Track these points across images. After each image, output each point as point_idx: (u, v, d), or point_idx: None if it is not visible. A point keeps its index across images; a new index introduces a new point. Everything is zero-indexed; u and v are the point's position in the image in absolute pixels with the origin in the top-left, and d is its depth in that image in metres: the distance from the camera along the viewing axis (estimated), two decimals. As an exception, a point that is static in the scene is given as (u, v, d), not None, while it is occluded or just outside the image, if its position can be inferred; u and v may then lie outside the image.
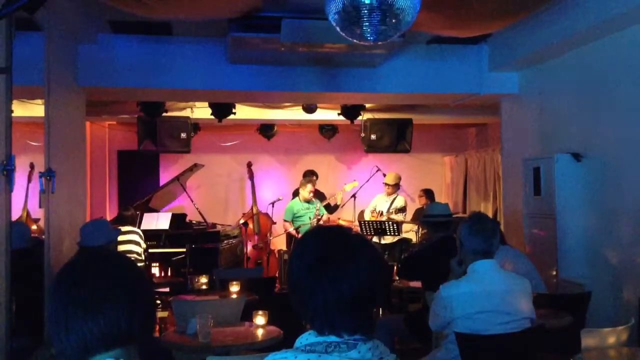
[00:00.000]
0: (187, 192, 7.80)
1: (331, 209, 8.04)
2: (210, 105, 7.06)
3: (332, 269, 1.40)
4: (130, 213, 6.44)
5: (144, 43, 5.60)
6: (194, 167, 7.88)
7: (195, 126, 7.93)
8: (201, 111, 7.41)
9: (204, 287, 4.84)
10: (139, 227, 6.51)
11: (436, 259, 4.09)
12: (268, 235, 8.31)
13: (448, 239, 4.30)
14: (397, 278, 5.40)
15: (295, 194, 7.79)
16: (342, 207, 8.28)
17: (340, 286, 1.38)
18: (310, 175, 8.17)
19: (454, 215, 4.69)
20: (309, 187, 7.39)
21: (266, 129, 8.55)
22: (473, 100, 6.54)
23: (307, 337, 1.40)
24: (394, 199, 7.72)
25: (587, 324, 3.75)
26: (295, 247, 1.54)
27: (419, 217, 5.41)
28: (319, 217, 7.27)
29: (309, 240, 1.52)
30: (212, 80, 5.78)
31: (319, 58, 5.50)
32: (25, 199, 7.77)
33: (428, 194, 8.27)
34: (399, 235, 7.10)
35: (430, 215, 4.51)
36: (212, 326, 3.35)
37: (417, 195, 8.67)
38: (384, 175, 7.97)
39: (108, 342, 1.26)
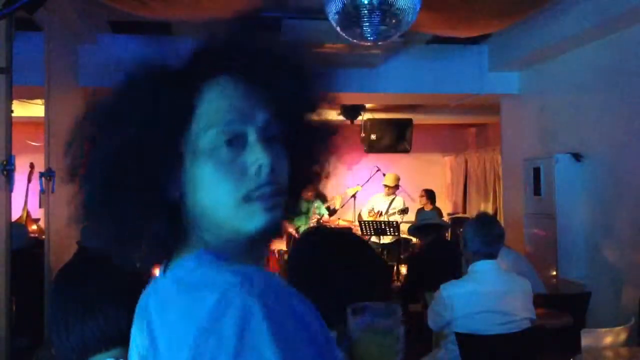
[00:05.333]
0: (187, 192, 7.79)
1: (329, 212, 8.04)
2: (210, 105, 7.05)
3: (337, 261, 1.42)
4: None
5: (144, 43, 5.60)
6: (194, 167, 7.87)
7: (195, 126, 7.90)
8: (201, 111, 7.40)
9: (204, 287, 4.84)
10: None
11: (432, 260, 4.16)
12: (268, 235, 8.29)
13: (440, 241, 4.53)
14: (396, 278, 5.42)
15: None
16: (341, 207, 8.28)
17: (346, 278, 1.39)
18: None
19: (452, 216, 4.85)
20: (306, 186, 7.37)
21: (266, 129, 8.53)
22: (473, 100, 6.54)
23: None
24: (393, 199, 7.72)
25: (587, 324, 3.75)
26: (299, 242, 1.55)
27: (417, 217, 5.49)
28: (319, 217, 7.26)
29: (314, 236, 1.55)
30: (212, 80, 5.78)
31: (319, 58, 5.49)
32: (25, 199, 7.76)
33: (429, 194, 8.26)
34: (398, 235, 7.10)
35: (418, 221, 4.94)
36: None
37: (417, 196, 8.66)
38: (384, 175, 7.97)
39: (108, 342, 1.26)
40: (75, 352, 1.26)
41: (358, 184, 8.17)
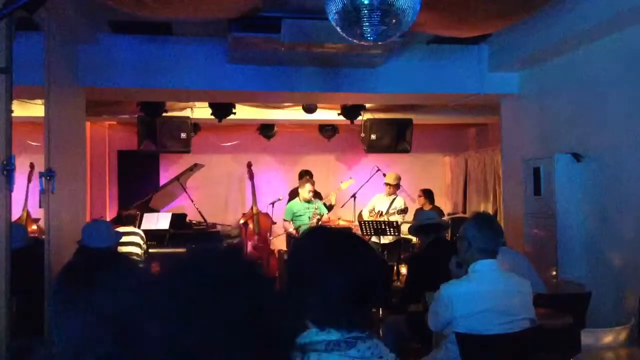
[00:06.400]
0: (187, 192, 7.80)
1: (326, 209, 8.04)
2: (210, 105, 7.05)
3: (337, 260, 1.43)
4: (130, 213, 6.44)
5: (144, 43, 5.60)
6: (194, 167, 7.88)
7: (195, 126, 7.92)
8: (201, 111, 7.41)
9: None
10: (138, 227, 6.51)
11: (433, 260, 4.16)
12: (268, 235, 8.30)
13: (440, 241, 4.50)
14: (396, 278, 5.42)
15: (292, 194, 7.77)
16: (341, 206, 8.27)
17: (346, 277, 1.41)
18: (306, 175, 8.17)
19: (452, 216, 4.83)
20: (308, 186, 7.39)
21: (266, 129, 8.55)
22: (473, 100, 6.54)
23: (308, 336, 1.41)
24: (394, 199, 7.71)
25: (587, 324, 3.75)
26: (298, 242, 1.57)
27: (416, 217, 5.47)
28: (319, 217, 7.27)
29: (313, 235, 1.56)
30: (212, 80, 5.78)
31: (318, 58, 5.50)
32: (25, 199, 7.76)
33: (427, 194, 8.26)
34: (398, 235, 7.10)
35: (420, 220, 4.84)
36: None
37: (417, 196, 8.67)
38: (384, 175, 7.96)
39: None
40: (76, 352, 1.26)
41: (350, 177, 8.19)
